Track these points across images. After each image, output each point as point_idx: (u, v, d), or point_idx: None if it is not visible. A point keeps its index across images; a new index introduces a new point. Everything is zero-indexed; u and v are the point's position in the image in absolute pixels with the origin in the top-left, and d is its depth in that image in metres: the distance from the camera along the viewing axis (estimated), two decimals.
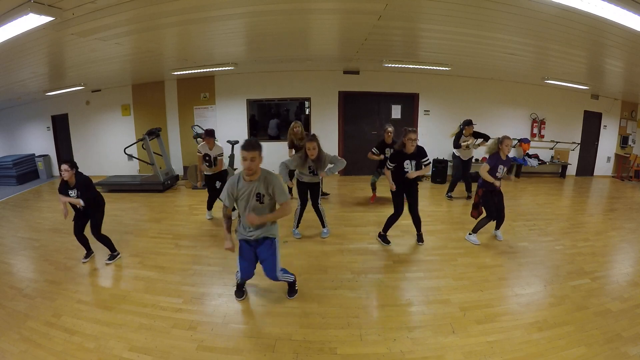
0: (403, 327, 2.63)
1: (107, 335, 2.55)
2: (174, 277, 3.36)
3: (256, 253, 2.73)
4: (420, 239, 4.15)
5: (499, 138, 3.94)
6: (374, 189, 5.94)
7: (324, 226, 4.37)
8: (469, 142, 5.75)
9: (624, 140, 8.55)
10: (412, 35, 4.73)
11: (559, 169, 8.39)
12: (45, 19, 2.90)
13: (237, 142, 7.05)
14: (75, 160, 3.58)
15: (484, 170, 3.91)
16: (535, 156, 8.07)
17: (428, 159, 3.84)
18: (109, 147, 8.26)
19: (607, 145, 8.60)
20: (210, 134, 4.70)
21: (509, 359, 2.29)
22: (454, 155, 6.08)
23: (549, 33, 3.88)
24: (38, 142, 8.86)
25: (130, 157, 7.33)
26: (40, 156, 8.70)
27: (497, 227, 4.28)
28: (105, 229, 4.24)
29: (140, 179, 7.14)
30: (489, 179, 3.87)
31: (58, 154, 8.88)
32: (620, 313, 2.77)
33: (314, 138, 3.88)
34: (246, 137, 7.87)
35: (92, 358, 2.32)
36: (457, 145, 5.88)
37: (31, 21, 2.89)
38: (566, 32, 3.72)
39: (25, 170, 8.28)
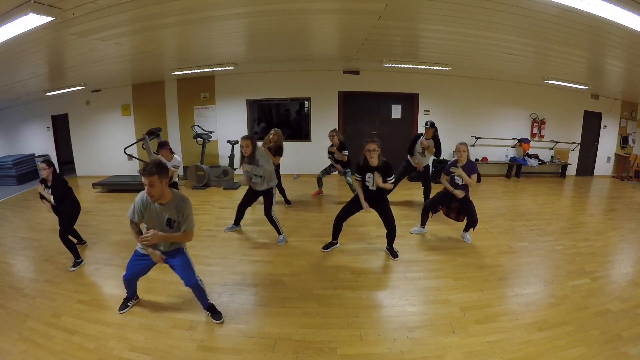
0: (403, 327, 2.63)
1: (107, 335, 2.55)
2: (174, 277, 3.31)
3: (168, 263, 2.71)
4: (392, 253, 3.83)
5: None
6: (319, 184, 6.18)
7: (279, 233, 4.29)
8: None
9: (624, 140, 8.56)
10: (412, 35, 4.73)
11: (559, 169, 8.39)
12: (45, 19, 2.90)
13: (237, 142, 7.04)
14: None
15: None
16: (535, 156, 8.07)
17: (393, 178, 3.49)
18: (109, 147, 8.26)
19: (607, 145, 8.61)
20: (162, 146, 4.57)
21: (509, 359, 2.29)
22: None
23: (549, 33, 3.88)
24: (38, 142, 8.86)
25: (130, 157, 7.32)
26: (40, 156, 8.70)
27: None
28: (106, 229, 4.25)
29: (140, 179, 7.13)
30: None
31: (58, 154, 8.88)
32: (620, 313, 2.77)
33: (247, 137, 3.92)
34: None
35: (92, 358, 2.32)
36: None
37: (31, 21, 2.88)
38: (566, 32, 3.71)
39: (25, 170, 8.27)
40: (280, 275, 3.44)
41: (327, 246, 4.01)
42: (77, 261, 3.72)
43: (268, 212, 4.18)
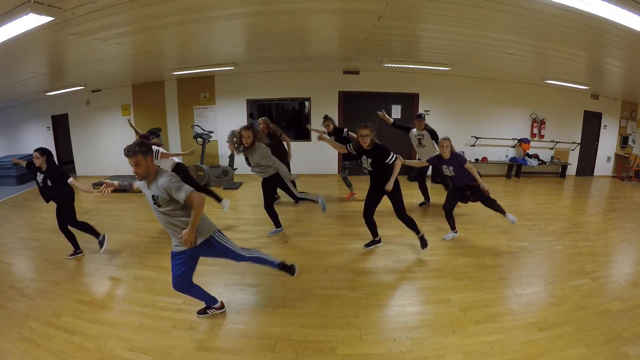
0: (403, 327, 2.63)
1: (107, 335, 2.55)
2: None
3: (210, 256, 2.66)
4: (423, 243, 3.81)
5: None
6: (348, 184, 6.00)
7: (316, 202, 4.22)
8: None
9: (624, 140, 8.55)
10: (412, 35, 4.73)
11: (559, 169, 8.39)
12: (45, 19, 2.90)
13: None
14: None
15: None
16: (535, 156, 8.06)
17: (392, 157, 3.48)
18: (109, 147, 8.25)
19: (607, 145, 8.60)
20: (145, 139, 4.35)
21: (509, 359, 2.29)
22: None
23: (549, 33, 3.88)
24: (38, 142, 8.78)
25: None
26: None
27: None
28: (106, 229, 4.24)
29: None
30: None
31: (58, 154, 8.86)
32: (620, 313, 2.77)
33: (248, 127, 3.81)
34: None
35: (92, 358, 2.32)
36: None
37: (31, 21, 2.88)
38: (566, 32, 3.72)
39: (25, 170, 8.19)
40: (280, 275, 3.42)
41: (369, 244, 4.00)
42: (101, 239, 3.77)
43: (293, 196, 4.15)
